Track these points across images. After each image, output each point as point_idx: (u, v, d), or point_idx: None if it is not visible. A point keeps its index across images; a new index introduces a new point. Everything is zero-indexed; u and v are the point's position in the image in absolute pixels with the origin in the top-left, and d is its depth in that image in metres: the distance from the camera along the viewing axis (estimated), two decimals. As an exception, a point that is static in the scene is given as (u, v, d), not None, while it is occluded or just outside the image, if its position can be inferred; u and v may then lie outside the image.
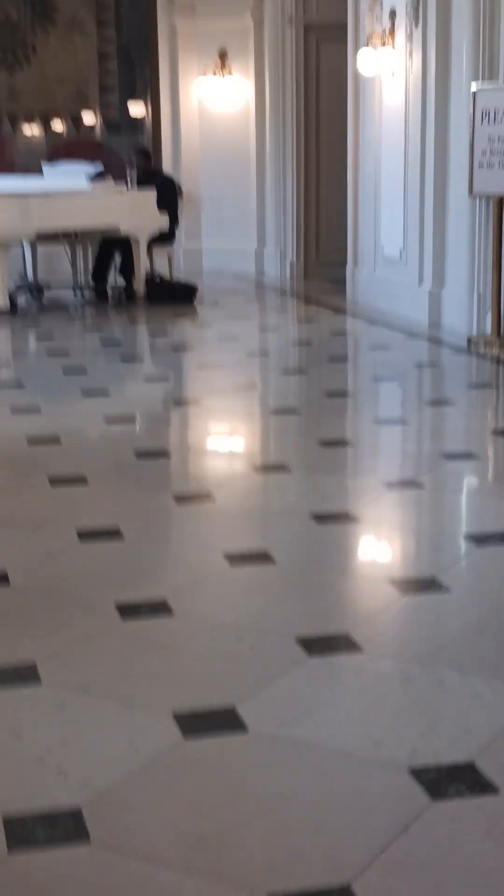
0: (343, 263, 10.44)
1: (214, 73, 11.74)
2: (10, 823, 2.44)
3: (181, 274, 11.02)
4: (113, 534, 4.26)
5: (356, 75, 9.48)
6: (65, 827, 2.44)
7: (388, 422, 6.21)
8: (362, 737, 2.83)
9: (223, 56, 11.71)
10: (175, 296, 10.13)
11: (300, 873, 2.30)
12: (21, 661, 3.19)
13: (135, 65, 12.70)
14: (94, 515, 4.47)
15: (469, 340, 7.94)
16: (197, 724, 2.86)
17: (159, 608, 3.57)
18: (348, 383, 7.32)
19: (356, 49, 9.35)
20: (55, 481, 4.93)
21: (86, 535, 4.22)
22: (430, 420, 6.29)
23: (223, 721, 2.87)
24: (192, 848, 2.37)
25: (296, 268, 11.61)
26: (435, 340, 8.22)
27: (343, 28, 10.00)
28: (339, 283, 10.49)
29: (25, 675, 3.12)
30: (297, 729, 2.89)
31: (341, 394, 6.90)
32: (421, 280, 8.74)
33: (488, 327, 7.93)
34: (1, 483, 4.97)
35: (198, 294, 10.18)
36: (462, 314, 8.20)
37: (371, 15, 8.83)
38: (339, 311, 9.69)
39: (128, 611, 3.54)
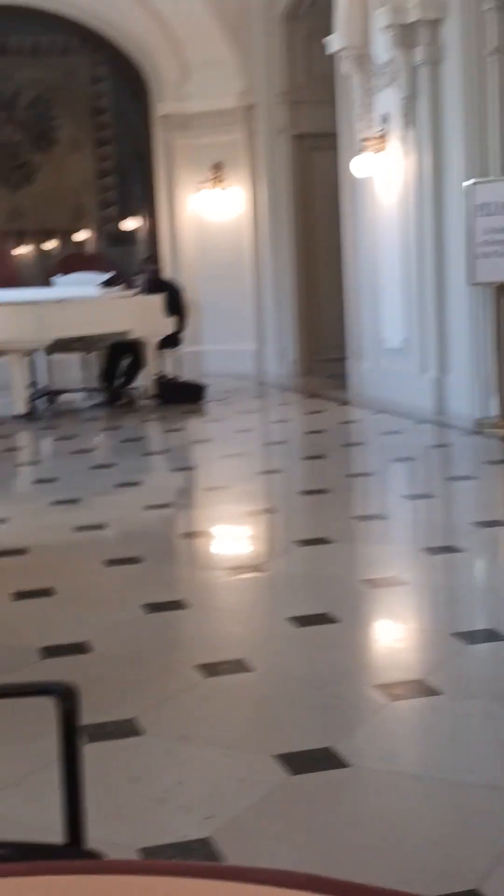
0: (342, 359, 10.81)
1: (210, 186, 12.27)
2: (147, 855, 2.60)
3: (185, 376, 11.36)
4: (176, 605, 4.46)
5: (349, 179, 9.97)
6: (201, 855, 2.61)
7: (415, 496, 6.47)
8: (456, 765, 3.02)
9: (218, 168, 12.26)
10: (184, 395, 10.45)
11: (427, 882, 2.47)
12: (121, 717, 3.36)
13: (131, 180, 13.24)
14: (154, 590, 4.67)
15: (477, 422, 8.25)
16: (300, 763, 3.03)
17: (238, 667, 3.75)
18: (367, 465, 7.59)
19: (347, 155, 9.86)
20: (110, 562, 5.13)
21: (151, 607, 4.42)
22: (455, 493, 6.55)
23: (324, 759, 3.05)
24: (320, 869, 2.54)
25: (297, 365, 11.99)
26: (443, 424, 8.53)
27: (333, 136, 10.56)
28: (340, 378, 10.85)
29: (127, 728, 3.29)
30: (395, 763, 3.08)
31: (363, 474, 7.18)
32: (425, 369, 9.08)
33: (494, 410, 8.25)
34: (59, 567, 5.16)
35: (205, 392, 10.52)
36: (467, 399, 8.53)
37: (363, 121, 9.36)
38: (344, 402, 10.02)
39: (208, 669, 3.73)
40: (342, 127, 10.07)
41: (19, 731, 3.29)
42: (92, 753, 3.08)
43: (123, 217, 13.29)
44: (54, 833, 2.18)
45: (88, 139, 13.09)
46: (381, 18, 8.69)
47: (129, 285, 10.75)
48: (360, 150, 9.37)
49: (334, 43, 9.57)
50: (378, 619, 4.40)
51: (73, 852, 1.61)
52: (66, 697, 1.77)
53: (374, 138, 9.23)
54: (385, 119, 9.21)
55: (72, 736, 1.74)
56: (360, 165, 9.34)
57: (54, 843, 1.77)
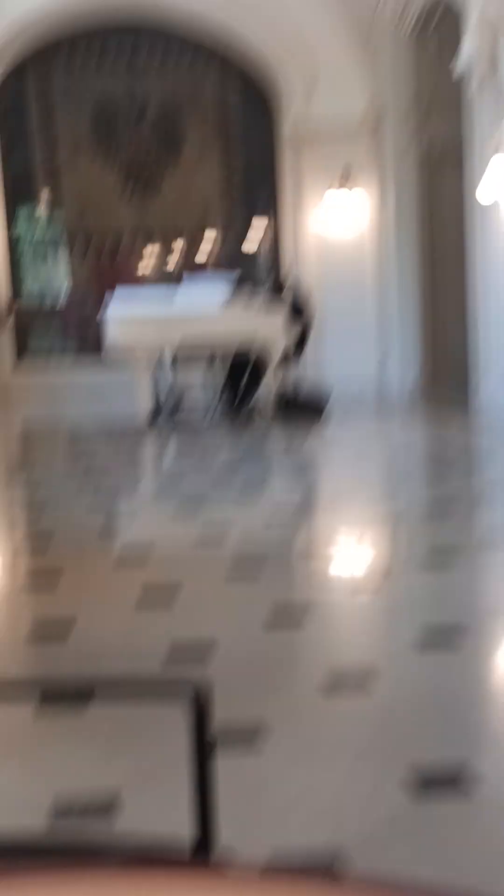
0: (465, 375, 10.65)
1: (338, 187, 12.21)
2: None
3: (307, 391, 11.31)
4: (296, 623, 4.41)
5: (475, 202, 9.84)
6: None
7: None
8: None
9: (346, 171, 12.20)
10: (305, 412, 10.36)
11: None
12: (245, 725, 3.33)
13: (257, 187, 13.29)
14: (273, 609, 4.61)
15: None
16: (434, 775, 2.96)
17: (360, 690, 3.68)
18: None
19: (476, 176, 9.72)
20: (229, 579, 5.12)
21: (269, 626, 4.38)
22: None
23: (460, 773, 2.97)
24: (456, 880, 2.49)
25: (419, 381, 11.86)
26: None
27: (461, 151, 10.43)
28: (463, 394, 10.68)
29: (248, 737, 3.27)
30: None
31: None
32: None
33: None
34: (183, 577, 5.18)
35: (327, 409, 10.41)
36: None
37: (491, 143, 9.22)
38: (469, 415, 9.86)
39: (330, 689, 3.67)
40: (469, 149, 9.94)
41: (147, 732, 3.29)
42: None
43: (248, 228, 13.34)
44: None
45: (215, 149, 13.22)
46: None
47: (254, 289, 10.73)
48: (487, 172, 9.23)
49: (462, 65, 9.46)
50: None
51: (202, 857, 1.58)
52: (199, 696, 1.74)
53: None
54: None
55: (203, 737, 1.71)
56: (484, 192, 9.20)
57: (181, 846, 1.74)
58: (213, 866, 1.21)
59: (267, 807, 2.88)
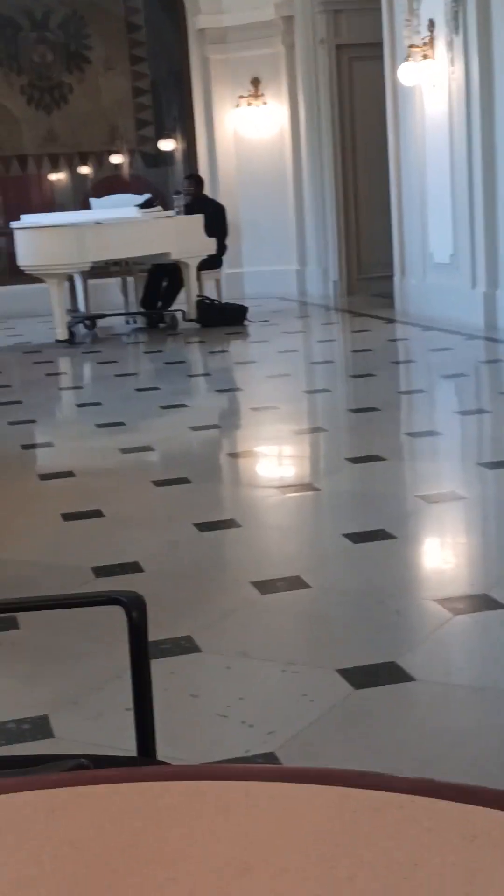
0: (386, 277, 10.60)
1: (249, 103, 11.96)
2: (211, 768, 2.55)
3: (226, 298, 11.19)
4: (228, 523, 4.38)
5: (395, 89, 9.67)
6: (265, 768, 2.55)
7: (467, 412, 6.32)
8: (526, 679, 2.93)
9: (256, 83, 11.94)
10: (226, 317, 10.30)
11: None
12: (177, 635, 3.30)
13: (168, 99, 12.96)
14: (205, 510, 4.59)
15: (528, 337, 8.05)
16: (364, 677, 2.96)
17: (296, 583, 3.67)
18: (417, 382, 7.44)
19: (393, 63, 9.55)
20: (159, 483, 5.06)
21: (202, 526, 4.34)
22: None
23: (390, 673, 2.97)
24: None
25: (339, 285, 11.77)
26: (494, 340, 8.34)
27: (374, 46, 10.23)
28: (384, 297, 10.65)
29: (185, 645, 3.23)
30: (459, 676, 3.01)
31: (414, 391, 7.04)
32: (474, 283, 8.86)
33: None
34: (109, 488, 5.09)
35: (247, 314, 10.36)
36: (518, 313, 8.32)
37: (409, 27, 9.03)
38: (391, 320, 9.83)
39: (265, 586, 3.65)
40: (386, 35, 9.72)
41: (80, 650, 3.24)
42: (151, 670, 3.04)
43: (160, 137, 13.03)
44: (122, 750, 2.12)
45: (122, 58, 12.78)
46: None
47: (167, 206, 10.55)
48: (406, 58, 9.05)
49: None
50: (436, 535, 4.30)
51: (145, 763, 1.54)
52: (135, 606, 1.68)
53: (421, 45, 8.91)
54: (431, 25, 8.88)
55: (141, 645, 1.66)
56: (407, 73, 9.03)
57: (126, 756, 1.70)
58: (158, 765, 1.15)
59: (204, 714, 2.85)
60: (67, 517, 4.57)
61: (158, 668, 3.08)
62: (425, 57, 8.91)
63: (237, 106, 12.02)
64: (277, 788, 0.88)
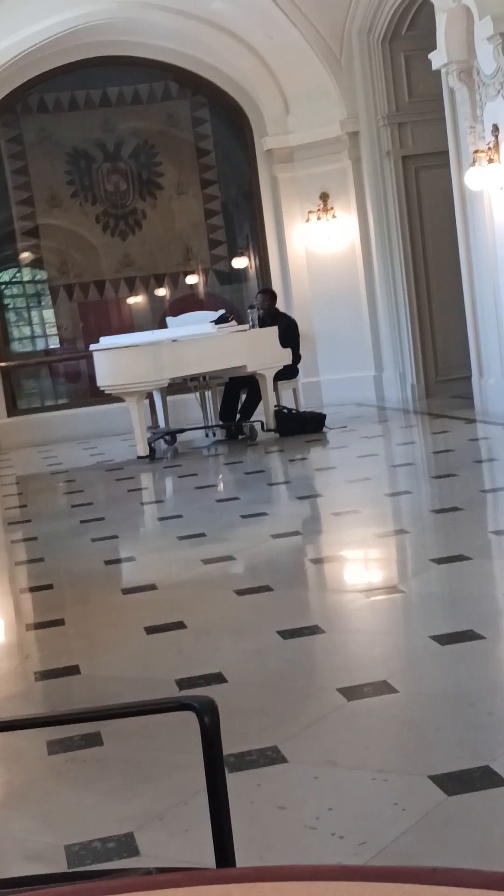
0: (464, 378, 10.57)
1: (318, 217, 12.20)
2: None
3: (304, 407, 11.25)
4: (312, 629, 4.31)
5: (462, 194, 9.78)
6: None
7: (553, 509, 6.20)
8: None
9: (325, 197, 12.19)
10: (305, 426, 10.36)
11: None
12: (263, 745, 3.22)
13: (239, 219, 13.29)
14: (289, 617, 4.53)
15: None
16: (457, 783, 2.84)
17: (383, 688, 3.58)
18: (501, 481, 7.33)
19: (459, 169, 9.68)
20: (241, 592, 5.02)
21: (286, 634, 4.27)
22: None
23: (482, 778, 2.85)
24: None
25: (417, 388, 11.77)
26: None
27: (440, 155, 10.42)
28: (463, 398, 10.61)
29: (271, 755, 3.15)
30: None
31: (500, 489, 6.94)
32: (552, 379, 8.78)
33: None
34: (191, 599, 5.07)
35: (326, 421, 10.39)
36: None
37: (473, 133, 9.17)
38: (471, 420, 9.76)
39: (351, 692, 3.56)
40: (451, 142, 9.89)
41: (167, 763, 3.18)
42: (236, 783, 2.96)
43: (233, 255, 13.33)
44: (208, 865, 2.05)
45: (193, 182, 13.19)
46: (484, 29, 8.53)
47: (241, 321, 10.73)
48: (472, 164, 9.17)
49: (438, 58, 9.43)
50: (527, 634, 4.17)
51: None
52: (206, 711, 1.64)
53: (486, 150, 9.03)
54: (496, 129, 9.01)
55: (215, 750, 1.61)
56: (473, 178, 9.14)
57: (205, 867, 1.64)
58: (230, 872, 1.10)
59: (292, 826, 2.75)
60: (150, 630, 4.54)
61: (245, 780, 3.01)
62: (491, 161, 9.02)
63: (307, 220, 12.27)
64: (344, 888, 0.83)
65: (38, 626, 5.02)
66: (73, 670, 4.16)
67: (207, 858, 1.71)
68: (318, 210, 12.19)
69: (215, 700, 1.68)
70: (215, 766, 1.60)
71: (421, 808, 2.74)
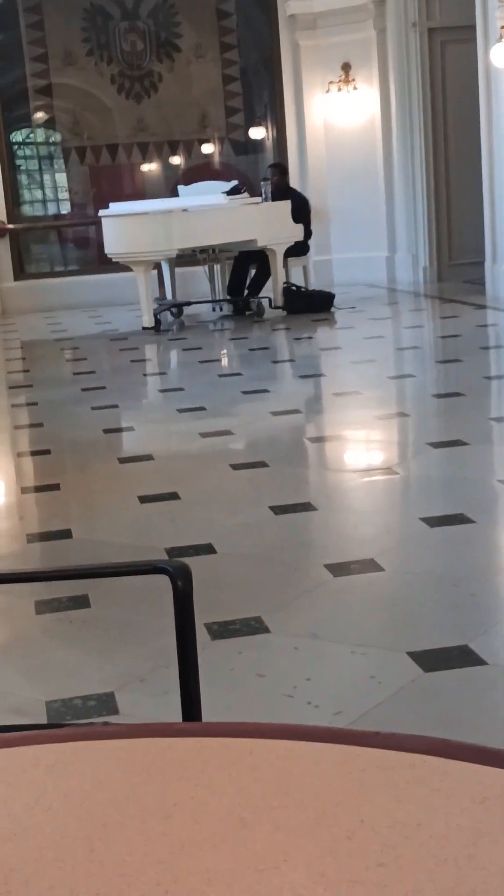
0: (478, 263, 10.40)
1: (339, 88, 11.84)
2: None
3: (313, 285, 11.11)
4: (305, 506, 4.33)
5: (487, 71, 9.47)
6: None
7: None
8: None
9: (347, 69, 11.82)
10: (313, 304, 10.24)
11: None
12: (248, 615, 3.26)
13: (258, 87, 12.92)
14: (283, 492, 4.54)
15: None
16: (434, 660, 2.89)
17: (369, 566, 3.61)
18: (506, 369, 7.30)
19: (486, 45, 9.36)
20: (237, 467, 5.03)
21: (279, 509, 4.30)
22: None
23: (460, 657, 2.90)
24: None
25: (429, 272, 11.59)
26: None
27: (468, 28, 10.04)
28: (475, 283, 10.46)
29: (254, 625, 3.19)
30: (536, 662, 2.91)
31: (502, 377, 6.90)
32: None
33: None
34: (185, 471, 5.09)
35: (334, 301, 10.27)
36: None
37: (501, 8, 8.84)
38: (481, 306, 9.64)
39: (338, 569, 3.59)
40: (479, 16, 9.53)
41: (151, 626, 3.23)
42: (218, 650, 3.02)
43: (250, 125, 13.00)
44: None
45: (213, 45, 12.77)
46: None
47: (254, 193, 10.51)
48: (499, 39, 8.86)
49: None
50: (517, 520, 4.19)
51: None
52: (180, 575, 1.65)
53: (512, 25, 8.72)
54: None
55: (186, 614, 1.62)
56: (499, 54, 8.83)
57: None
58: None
59: (270, 693, 2.81)
60: (145, 499, 4.57)
61: (227, 648, 3.06)
62: (518, 37, 8.72)
63: (327, 91, 11.91)
64: (284, 746, 0.83)
65: (35, 489, 5.06)
66: (66, 534, 4.20)
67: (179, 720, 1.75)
68: (340, 81, 11.83)
69: (203, 570, 1.69)
70: (186, 630, 1.61)
71: (397, 682, 2.78)
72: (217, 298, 10.79)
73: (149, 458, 5.33)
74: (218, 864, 0.70)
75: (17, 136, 13.12)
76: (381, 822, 0.72)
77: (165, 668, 2.94)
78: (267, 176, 10.86)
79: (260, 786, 0.78)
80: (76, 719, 2.72)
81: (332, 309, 10.14)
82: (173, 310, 10.57)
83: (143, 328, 9.70)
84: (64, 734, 0.92)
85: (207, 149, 13.10)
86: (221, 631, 3.15)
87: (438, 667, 2.85)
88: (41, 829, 0.77)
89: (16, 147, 13.01)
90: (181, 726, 0.93)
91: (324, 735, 0.84)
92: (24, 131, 13.24)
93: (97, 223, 10.65)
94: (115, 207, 10.11)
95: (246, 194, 10.24)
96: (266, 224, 9.94)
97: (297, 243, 10.38)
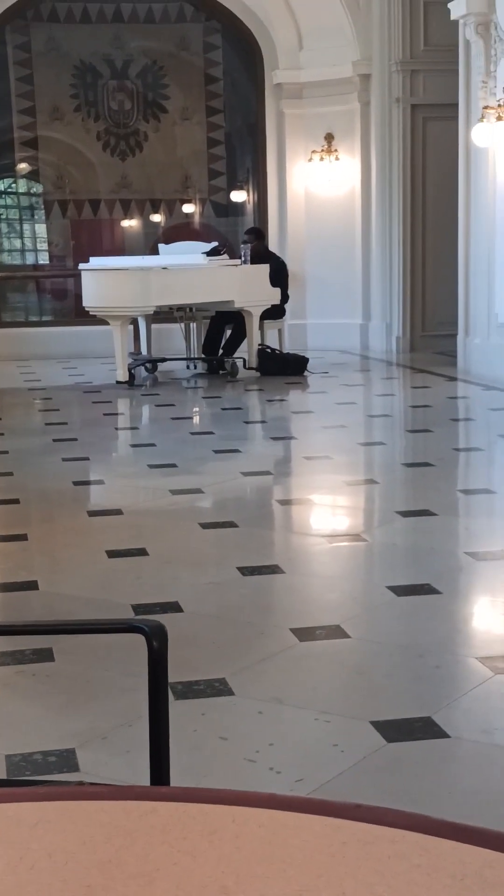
0: (450, 336, 10.56)
1: (321, 158, 12.06)
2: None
3: (288, 349, 11.21)
4: (272, 569, 4.34)
5: (468, 149, 9.69)
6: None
7: (523, 473, 6.24)
8: None
9: (330, 139, 12.05)
10: (286, 367, 10.33)
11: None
12: (211, 676, 3.26)
13: (242, 151, 13.13)
14: (251, 554, 4.56)
15: None
16: (397, 731, 2.89)
17: (336, 632, 3.62)
18: (475, 440, 7.37)
19: (468, 123, 9.58)
20: (206, 526, 5.04)
21: (246, 570, 4.30)
22: None
23: (423, 728, 2.90)
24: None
25: (402, 341, 11.74)
26: None
27: (450, 107, 10.29)
28: (447, 355, 10.61)
29: (218, 687, 3.19)
30: (497, 736, 2.92)
31: (471, 449, 6.97)
32: (537, 344, 8.79)
33: None
34: (156, 528, 5.09)
35: (308, 365, 10.37)
36: None
37: (484, 89, 9.07)
38: (452, 378, 9.77)
39: (304, 634, 3.60)
40: (462, 96, 9.77)
41: (115, 684, 3.22)
42: (181, 711, 3.00)
43: (232, 188, 13.19)
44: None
45: (199, 108, 12.99)
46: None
47: (234, 255, 10.64)
48: (480, 119, 9.08)
49: (457, 9, 9.29)
50: (482, 592, 4.22)
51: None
52: (155, 635, 1.66)
53: (496, 107, 8.93)
54: (506, 87, 8.92)
55: (160, 674, 1.63)
56: (480, 134, 9.05)
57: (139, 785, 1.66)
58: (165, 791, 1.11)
59: (232, 757, 2.80)
60: (112, 554, 4.56)
61: (190, 708, 3.05)
62: (500, 118, 8.93)
63: (310, 160, 12.13)
64: (267, 815, 0.84)
65: (2, 538, 5.03)
66: (32, 585, 4.18)
67: (145, 781, 1.74)
68: (322, 150, 12.06)
69: (169, 628, 1.70)
70: (159, 691, 1.62)
71: (360, 751, 2.78)
72: (192, 356, 10.86)
73: (118, 512, 5.33)
74: (201, 932, 0.71)
75: (0, 186, 13.24)
76: None
77: (129, 726, 2.93)
78: (247, 240, 11.00)
79: (242, 854, 0.79)
80: (36, 775, 2.70)
81: (306, 373, 10.23)
82: (148, 365, 10.62)
83: (117, 382, 9.74)
84: (45, 793, 0.92)
85: (189, 209, 13.27)
86: (185, 691, 3.14)
87: (401, 738, 2.85)
88: (25, 888, 0.77)
89: (-2, 196, 13.12)
90: (163, 790, 0.93)
91: (306, 806, 0.85)
92: (7, 181, 13.36)
93: (76, 276, 10.74)
94: (95, 262, 10.20)
95: (225, 256, 10.36)
96: (244, 286, 10.05)
97: (273, 306, 10.50)
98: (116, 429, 8.27)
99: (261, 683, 3.23)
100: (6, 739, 2.90)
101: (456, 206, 10.14)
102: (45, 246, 13.46)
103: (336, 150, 12.05)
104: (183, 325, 10.93)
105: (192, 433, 7.69)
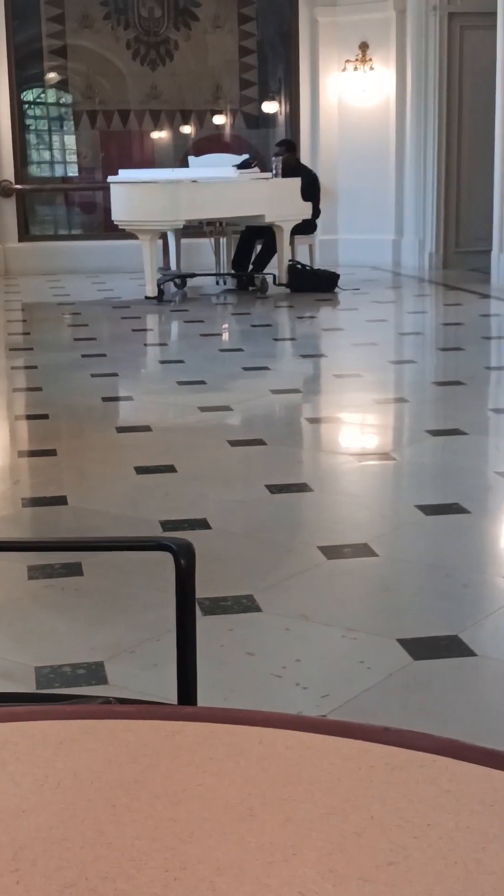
0: (484, 252, 10.38)
1: (355, 68, 11.77)
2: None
3: (318, 265, 11.07)
4: (301, 487, 4.33)
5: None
6: (314, 731, 2.51)
7: None
8: None
9: (364, 48, 11.74)
10: (317, 284, 10.21)
11: None
12: (239, 593, 3.27)
13: (274, 61, 12.82)
14: (279, 472, 4.55)
15: None
16: (424, 648, 2.90)
17: (363, 550, 3.61)
18: (507, 360, 7.30)
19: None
20: (234, 443, 5.03)
21: (275, 488, 4.30)
22: None
23: (449, 647, 2.91)
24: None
25: (435, 258, 11.57)
26: None
27: (488, 15, 9.99)
28: (480, 272, 10.45)
29: (246, 603, 3.20)
30: (524, 656, 2.93)
31: (503, 367, 6.91)
32: None
33: None
34: (184, 445, 5.08)
35: (338, 281, 10.25)
36: None
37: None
38: (485, 295, 9.63)
39: (332, 552, 3.60)
40: (500, 3, 9.46)
41: (143, 599, 3.24)
42: (208, 626, 3.02)
43: (263, 99, 12.91)
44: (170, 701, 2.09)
45: (231, 16, 12.66)
46: None
47: (264, 168, 10.45)
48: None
49: None
50: (511, 512, 4.21)
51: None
52: (183, 553, 1.65)
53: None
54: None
55: (187, 592, 1.63)
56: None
57: (168, 702, 1.67)
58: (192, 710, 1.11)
59: (258, 672, 2.82)
60: (141, 470, 4.57)
61: (217, 624, 3.07)
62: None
63: (343, 70, 11.84)
64: (295, 737, 0.83)
65: (31, 454, 5.06)
66: (61, 500, 4.20)
67: (171, 695, 1.76)
68: (357, 60, 11.76)
69: (196, 545, 1.69)
70: (186, 609, 1.62)
71: (386, 668, 2.80)
72: (221, 272, 10.76)
73: (146, 429, 5.32)
74: (226, 854, 0.70)
75: (28, 96, 13.02)
76: (391, 820, 0.72)
77: (156, 640, 2.95)
78: (279, 153, 10.80)
79: (269, 776, 0.79)
80: (65, 687, 2.73)
81: (336, 289, 10.12)
82: (177, 281, 10.53)
83: (146, 297, 9.67)
84: (71, 711, 0.92)
85: (219, 120, 13.02)
86: (213, 607, 3.16)
87: (428, 655, 2.86)
88: (50, 806, 0.77)
89: (26, 106, 12.91)
90: (189, 710, 0.93)
91: (333, 728, 0.84)
92: (36, 91, 13.13)
93: (105, 188, 10.59)
94: (125, 174, 10.06)
95: (256, 169, 10.19)
96: (275, 200, 9.90)
97: (304, 221, 10.34)
98: (145, 345, 8.23)
99: (288, 600, 3.25)
100: (35, 651, 2.94)
101: (493, 118, 9.88)
102: (74, 158, 13.26)
103: (370, 60, 11.75)
104: (212, 240, 10.80)
105: (221, 350, 7.65)
